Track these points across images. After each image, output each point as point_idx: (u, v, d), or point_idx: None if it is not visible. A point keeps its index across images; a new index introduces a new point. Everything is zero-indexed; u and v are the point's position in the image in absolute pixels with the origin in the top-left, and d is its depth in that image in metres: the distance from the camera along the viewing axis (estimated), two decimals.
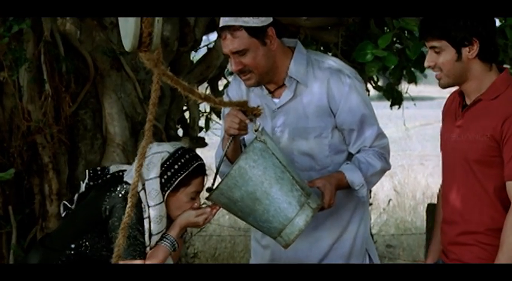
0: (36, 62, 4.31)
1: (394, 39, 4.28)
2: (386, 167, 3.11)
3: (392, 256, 7.55)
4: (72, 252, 2.94)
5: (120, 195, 2.90)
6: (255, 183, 2.78)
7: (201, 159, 3.06)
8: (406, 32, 4.40)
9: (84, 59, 4.44)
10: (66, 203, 3.11)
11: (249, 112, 2.90)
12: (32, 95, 4.33)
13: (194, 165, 3.00)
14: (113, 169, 3.12)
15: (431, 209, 6.73)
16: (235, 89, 3.23)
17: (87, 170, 3.13)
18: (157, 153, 2.99)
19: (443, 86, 2.81)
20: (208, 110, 5.85)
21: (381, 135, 3.12)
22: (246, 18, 2.91)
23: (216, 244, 7.52)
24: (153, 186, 2.94)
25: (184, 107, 5.24)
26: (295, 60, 3.07)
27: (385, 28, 4.45)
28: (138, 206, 2.91)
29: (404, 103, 5.96)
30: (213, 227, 7.90)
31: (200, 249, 7.08)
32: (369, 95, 6.35)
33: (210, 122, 5.92)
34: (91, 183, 3.09)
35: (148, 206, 2.93)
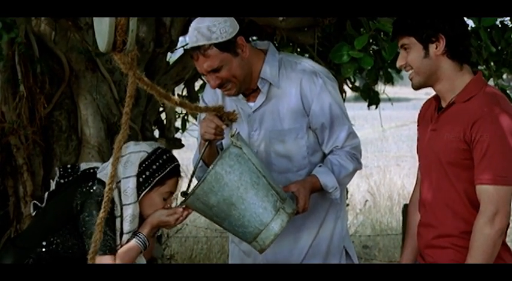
0: (11, 63, 4.28)
1: (371, 40, 4.29)
2: (358, 167, 3.13)
3: (368, 257, 7.57)
4: (44, 249, 2.93)
5: (91, 191, 2.91)
6: (230, 188, 2.77)
7: (177, 160, 3.07)
8: (382, 33, 4.41)
9: (59, 59, 4.41)
10: (36, 202, 3.10)
11: (224, 117, 2.90)
12: (6, 96, 4.29)
13: (171, 166, 3.02)
14: (84, 166, 3.12)
15: (407, 210, 6.77)
16: (210, 94, 3.23)
17: (57, 168, 3.13)
18: (135, 152, 3.00)
19: (416, 86, 2.83)
20: (184, 111, 5.83)
21: (352, 134, 3.13)
22: (214, 35, 2.90)
23: (193, 246, 7.50)
24: (129, 184, 2.95)
25: (161, 109, 5.22)
26: (267, 62, 3.08)
27: (362, 29, 4.46)
28: (112, 204, 2.90)
29: (381, 104, 5.98)
30: (189, 228, 7.88)
31: (176, 250, 7.06)
32: (345, 95, 6.37)
33: (187, 123, 5.91)
34: (61, 181, 3.09)
35: (122, 205, 2.94)
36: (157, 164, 2.99)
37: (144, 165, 2.97)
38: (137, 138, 4.58)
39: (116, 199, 2.92)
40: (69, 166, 3.14)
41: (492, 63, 4.70)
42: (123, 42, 1.96)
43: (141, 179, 2.95)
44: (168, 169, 3.00)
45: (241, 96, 3.11)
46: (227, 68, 2.96)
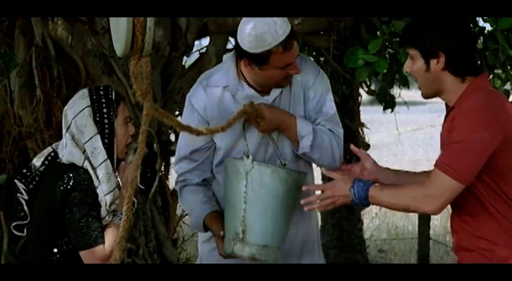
0: (28, 67, 4.30)
1: (386, 44, 4.28)
2: (334, 149, 3.09)
3: (384, 261, 7.56)
4: (58, 256, 2.92)
5: (68, 187, 2.86)
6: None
7: (108, 85, 3.06)
8: (397, 37, 4.40)
9: (75, 63, 4.43)
10: (18, 222, 3.01)
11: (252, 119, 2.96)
12: (23, 100, 4.32)
13: (112, 95, 2.99)
14: (36, 161, 3.05)
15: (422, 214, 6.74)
16: (204, 100, 3.19)
17: (15, 180, 3.04)
18: (78, 114, 2.93)
19: (424, 96, 2.85)
20: None
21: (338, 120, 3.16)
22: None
23: None
24: (94, 145, 2.89)
25: (177, 112, 5.23)
26: None
27: (378, 33, 4.46)
28: (91, 187, 2.87)
29: (396, 108, 5.97)
30: None
31: (192, 254, 7.06)
32: (361, 99, 6.36)
33: None
34: (30, 186, 3.02)
35: (95, 170, 2.88)
36: (104, 105, 2.94)
37: (97, 118, 2.92)
38: (153, 142, 4.59)
39: (92, 172, 2.88)
40: (24, 170, 3.05)
41: (509, 67, 4.68)
42: (141, 42, 1.97)
43: (106, 131, 2.91)
44: (114, 100, 2.97)
45: (253, 91, 3.09)
46: None
